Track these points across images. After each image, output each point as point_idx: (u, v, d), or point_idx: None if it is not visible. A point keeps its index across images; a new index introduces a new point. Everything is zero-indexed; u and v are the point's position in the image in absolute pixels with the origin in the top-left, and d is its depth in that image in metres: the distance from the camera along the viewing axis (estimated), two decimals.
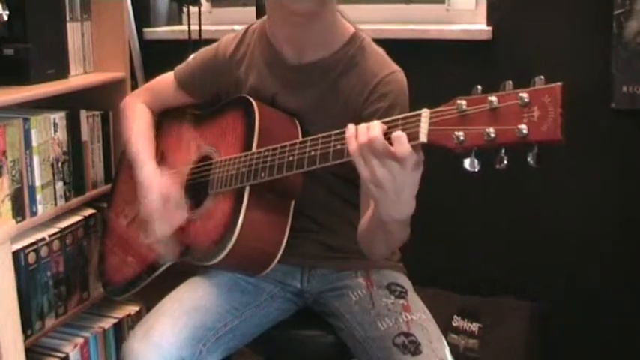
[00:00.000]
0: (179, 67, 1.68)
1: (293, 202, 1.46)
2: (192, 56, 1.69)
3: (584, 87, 2.05)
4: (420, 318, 1.42)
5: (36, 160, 1.76)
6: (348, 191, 1.50)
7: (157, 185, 1.52)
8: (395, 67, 1.47)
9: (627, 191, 2.16)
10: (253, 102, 1.47)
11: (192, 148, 1.59)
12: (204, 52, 1.66)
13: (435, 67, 2.25)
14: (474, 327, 2.26)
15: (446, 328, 2.25)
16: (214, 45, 1.64)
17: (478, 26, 2.29)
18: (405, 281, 1.54)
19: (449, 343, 1.49)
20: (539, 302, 2.25)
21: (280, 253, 1.45)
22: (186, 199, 1.54)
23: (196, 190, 1.53)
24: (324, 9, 1.41)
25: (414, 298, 1.49)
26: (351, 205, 1.53)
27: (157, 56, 1.88)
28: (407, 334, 1.36)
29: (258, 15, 2.12)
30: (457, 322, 2.28)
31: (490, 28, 2.22)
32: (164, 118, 1.72)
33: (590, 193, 2.19)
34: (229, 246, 1.37)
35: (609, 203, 2.18)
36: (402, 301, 1.46)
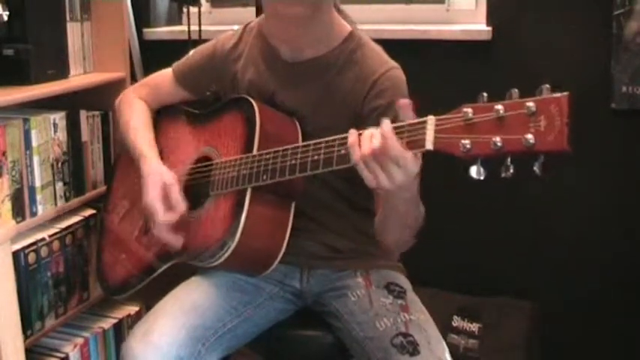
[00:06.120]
0: (177, 63, 1.69)
1: (294, 203, 1.46)
2: (191, 52, 1.70)
3: (584, 87, 2.04)
4: (418, 318, 1.42)
5: (36, 160, 1.76)
6: (348, 191, 1.50)
7: (159, 177, 1.50)
8: (393, 63, 1.48)
9: (627, 191, 2.16)
10: (254, 103, 1.47)
11: (191, 147, 1.59)
12: (202, 48, 1.66)
13: (435, 67, 2.25)
14: (474, 327, 2.26)
15: (446, 329, 2.25)
16: (212, 42, 1.64)
17: (478, 26, 2.28)
18: (404, 281, 1.54)
19: (449, 344, 1.49)
20: (539, 302, 2.25)
21: (281, 253, 1.45)
22: (186, 199, 1.54)
23: (196, 190, 1.53)
24: (317, 12, 1.40)
25: (412, 299, 1.49)
26: (350, 205, 1.53)
27: (157, 56, 1.87)
28: (405, 335, 1.36)
29: (258, 15, 2.11)
30: (457, 322, 2.28)
31: (490, 28, 2.22)
32: (163, 117, 1.72)
33: (590, 193, 2.19)
34: (231, 248, 1.37)
35: (609, 203, 2.18)
36: (400, 301, 1.46)
